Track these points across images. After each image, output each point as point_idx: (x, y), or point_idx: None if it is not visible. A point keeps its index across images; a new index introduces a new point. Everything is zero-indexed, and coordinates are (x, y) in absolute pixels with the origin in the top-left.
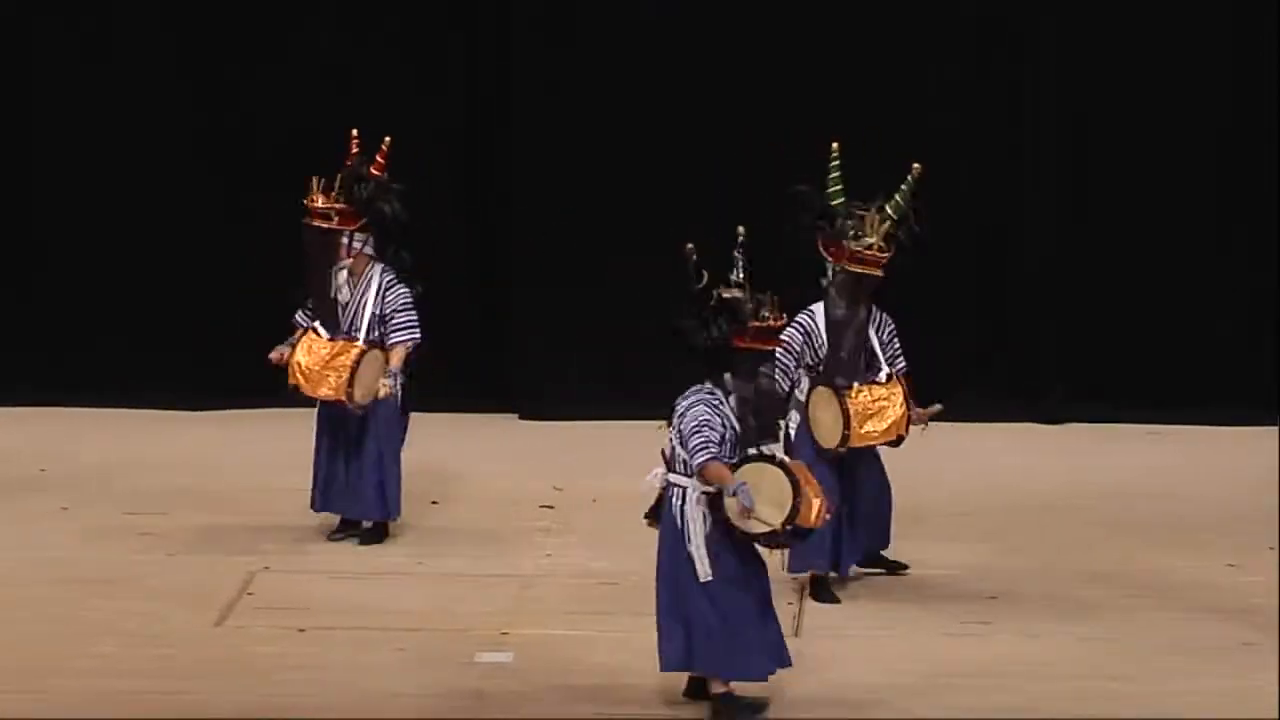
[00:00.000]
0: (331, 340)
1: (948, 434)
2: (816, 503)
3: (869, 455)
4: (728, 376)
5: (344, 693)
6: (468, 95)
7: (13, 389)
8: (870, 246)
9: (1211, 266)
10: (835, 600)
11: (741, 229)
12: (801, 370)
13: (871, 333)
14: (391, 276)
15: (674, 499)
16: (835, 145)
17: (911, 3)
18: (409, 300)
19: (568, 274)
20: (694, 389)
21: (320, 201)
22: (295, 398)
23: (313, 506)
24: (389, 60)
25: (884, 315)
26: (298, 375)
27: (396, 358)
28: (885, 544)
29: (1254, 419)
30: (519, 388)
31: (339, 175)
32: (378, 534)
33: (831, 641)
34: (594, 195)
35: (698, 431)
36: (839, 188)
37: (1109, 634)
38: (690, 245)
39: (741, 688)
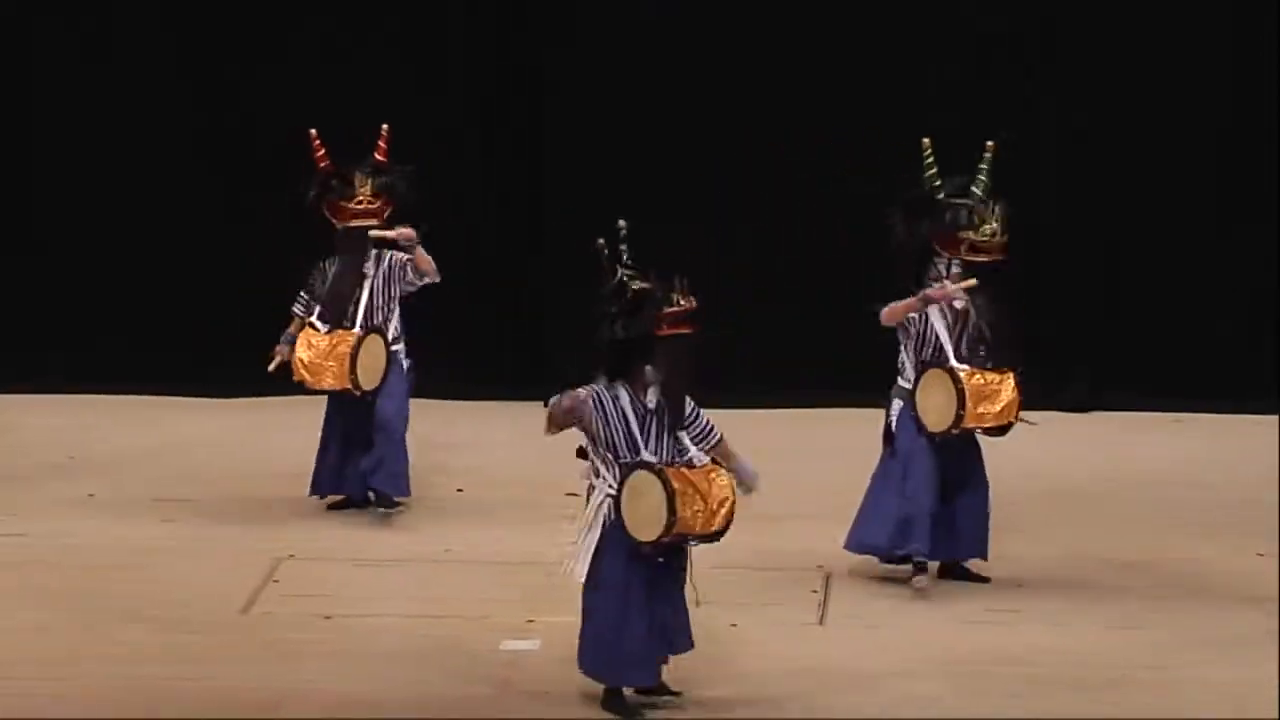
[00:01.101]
0: (329, 333)
1: None
2: (703, 509)
3: (974, 452)
4: (649, 369)
5: (369, 680)
6: (467, 95)
7: (41, 376)
8: (993, 234)
9: (1235, 255)
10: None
11: (623, 222)
12: (908, 359)
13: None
14: (392, 254)
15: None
16: (927, 141)
17: (913, 2)
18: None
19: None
20: (590, 385)
21: (363, 200)
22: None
23: (312, 491)
24: (389, 60)
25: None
26: (301, 371)
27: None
28: (983, 554)
29: (1273, 408)
30: (544, 376)
31: (339, 174)
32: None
33: (856, 629)
34: (614, 191)
35: (567, 394)
36: (938, 182)
37: (1138, 623)
38: (601, 240)
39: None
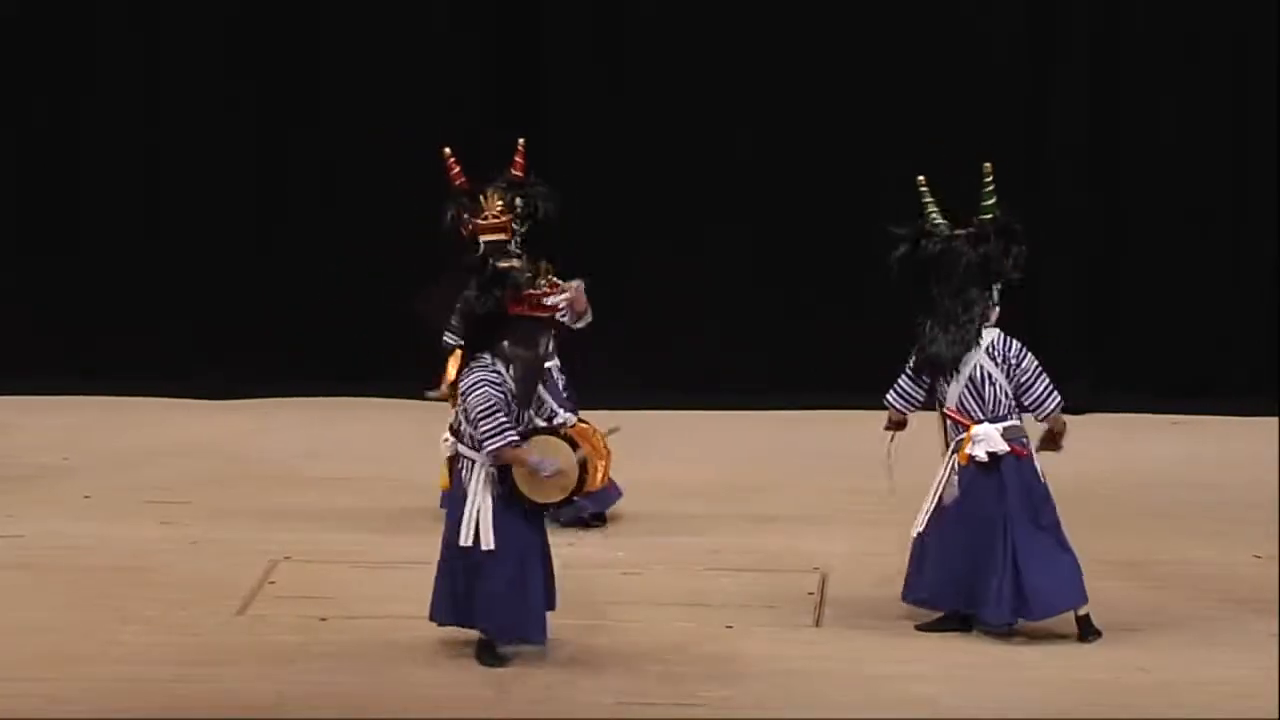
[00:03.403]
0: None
1: None
2: (601, 465)
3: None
4: (505, 344)
5: (366, 682)
6: (484, 96)
7: (38, 377)
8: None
9: (1236, 256)
10: (1098, 634)
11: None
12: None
13: None
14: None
15: (463, 470)
16: (988, 166)
17: (923, 2)
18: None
19: (600, 265)
20: (475, 363)
21: (491, 215)
22: (311, 388)
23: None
24: (415, 58)
25: None
26: (448, 390)
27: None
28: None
29: (1273, 409)
30: None
31: (469, 192)
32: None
33: (853, 631)
34: (620, 191)
35: (488, 416)
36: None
37: (1134, 624)
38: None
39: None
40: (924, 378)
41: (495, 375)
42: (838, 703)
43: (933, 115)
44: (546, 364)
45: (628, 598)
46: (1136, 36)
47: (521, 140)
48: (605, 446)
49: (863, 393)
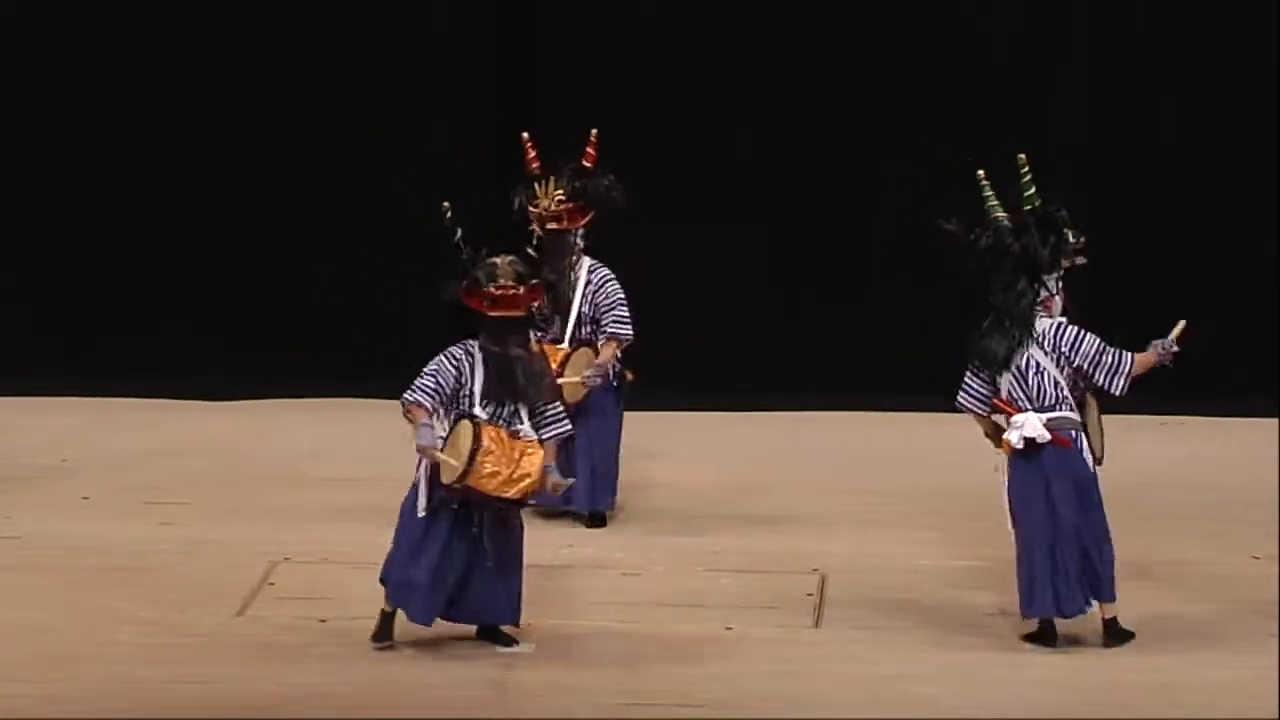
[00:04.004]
0: (539, 342)
1: (968, 424)
2: (505, 474)
3: None
4: (482, 335)
5: (365, 683)
6: (484, 96)
7: (36, 378)
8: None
9: (1236, 257)
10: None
11: (446, 204)
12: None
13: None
14: (604, 271)
15: None
16: (1022, 156)
17: (923, 2)
18: (622, 296)
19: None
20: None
21: (550, 204)
22: (312, 388)
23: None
24: (417, 56)
25: None
26: None
27: (608, 352)
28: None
29: (1273, 410)
30: None
31: (541, 176)
32: (598, 522)
33: (853, 632)
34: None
35: (420, 376)
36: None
37: (1134, 624)
38: (446, 204)
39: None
40: (983, 373)
41: (460, 353)
42: (838, 703)
43: (933, 115)
44: (533, 365)
45: (628, 598)
46: (1136, 36)
47: (594, 131)
48: (537, 471)
49: (863, 393)
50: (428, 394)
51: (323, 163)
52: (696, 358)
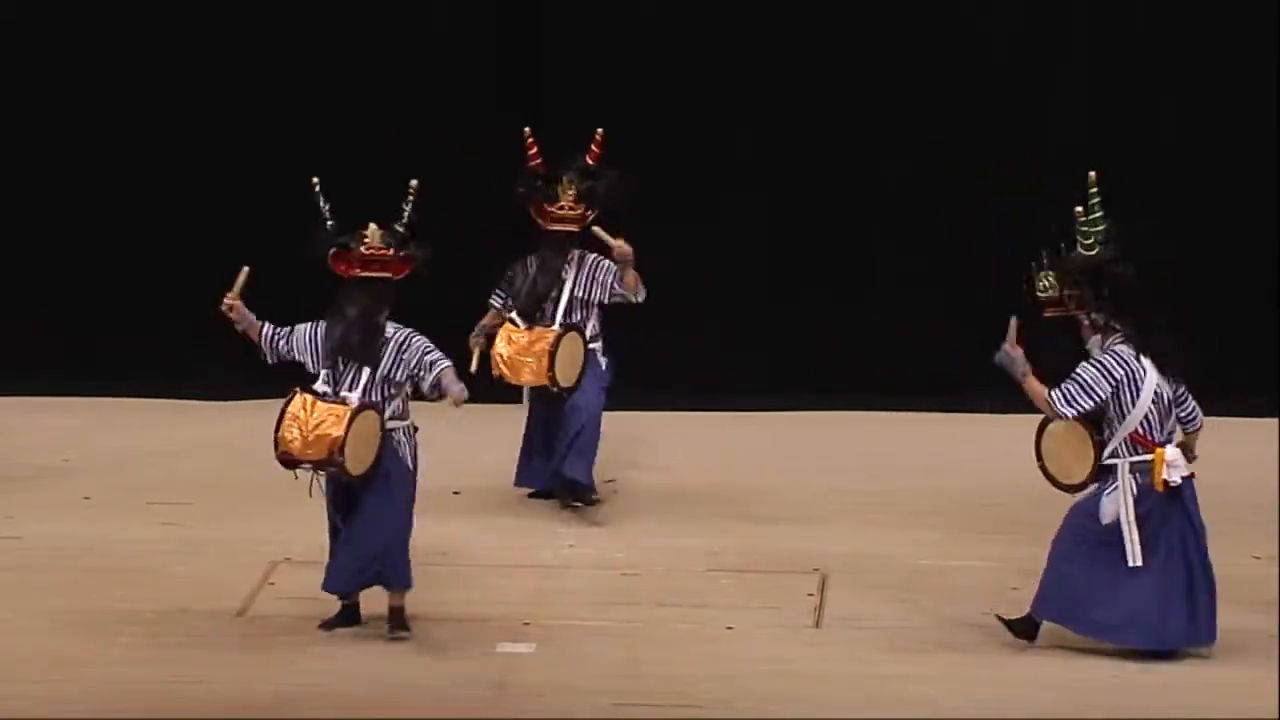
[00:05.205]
0: (529, 328)
1: (969, 424)
2: (298, 436)
3: None
4: (339, 294)
5: (365, 683)
6: (484, 96)
7: (37, 378)
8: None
9: (1236, 257)
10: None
11: (414, 181)
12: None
13: None
14: (596, 257)
15: None
16: (1092, 174)
17: (923, 2)
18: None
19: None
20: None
21: (565, 205)
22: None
23: (516, 482)
24: (417, 55)
25: None
26: (500, 366)
27: (631, 278)
28: None
29: (1273, 410)
30: None
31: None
32: (583, 498)
33: (852, 631)
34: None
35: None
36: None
37: None
38: (315, 178)
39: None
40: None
41: (325, 322)
42: (838, 703)
43: (933, 115)
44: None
45: (628, 598)
46: (1136, 36)
47: (600, 130)
48: (336, 428)
49: (862, 393)
50: (280, 329)
51: (323, 163)
52: (696, 358)
